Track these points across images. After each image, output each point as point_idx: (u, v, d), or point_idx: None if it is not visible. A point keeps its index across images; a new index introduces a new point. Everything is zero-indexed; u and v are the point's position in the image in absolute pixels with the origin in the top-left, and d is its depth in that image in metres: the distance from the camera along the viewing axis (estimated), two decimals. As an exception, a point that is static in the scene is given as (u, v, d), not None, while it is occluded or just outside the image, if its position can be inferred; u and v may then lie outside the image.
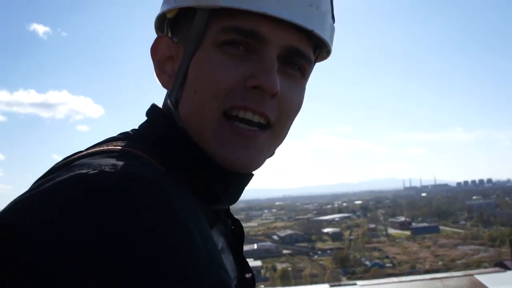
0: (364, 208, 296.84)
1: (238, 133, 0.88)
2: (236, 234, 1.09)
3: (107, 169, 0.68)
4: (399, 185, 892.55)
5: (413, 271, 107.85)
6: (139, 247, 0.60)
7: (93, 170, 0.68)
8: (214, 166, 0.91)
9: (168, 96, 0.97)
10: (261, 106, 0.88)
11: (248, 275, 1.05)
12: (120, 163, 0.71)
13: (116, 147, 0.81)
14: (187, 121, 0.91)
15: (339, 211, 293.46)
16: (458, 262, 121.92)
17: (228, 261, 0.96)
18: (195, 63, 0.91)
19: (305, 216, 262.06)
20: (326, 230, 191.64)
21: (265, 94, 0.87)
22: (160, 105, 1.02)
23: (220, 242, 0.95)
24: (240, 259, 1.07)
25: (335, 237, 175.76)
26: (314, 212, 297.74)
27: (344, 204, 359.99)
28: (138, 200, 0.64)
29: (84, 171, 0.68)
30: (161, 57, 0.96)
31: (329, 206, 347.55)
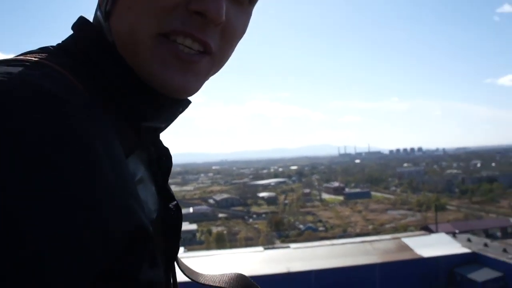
0: (300, 174, 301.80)
1: (178, 56, 0.81)
2: (162, 164, 1.01)
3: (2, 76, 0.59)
4: (334, 152, 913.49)
5: (344, 234, 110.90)
6: (14, 168, 0.52)
7: None
8: (144, 86, 0.83)
9: (98, 7, 0.88)
10: (202, 33, 0.81)
11: (172, 205, 0.99)
12: (19, 71, 0.64)
13: (28, 58, 0.71)
14: (119, 38, 0.83)
15: (275, 176, 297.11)
16: (387, 226, 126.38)
17: (149, 192, 0.92)
18: None
19: (241, 181, 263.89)
20: (261, 194, 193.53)
21: (208, 22, 0.79)
22: (90, 19, 0.90)
23: (139, 171, 0.89)
24: (164, 189, 1.00)
25: (270, 201, 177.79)
26: (250, 176, 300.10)
27: (280, 169, 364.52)
28: (26, 111, 0.56)
29: None
30: None
31: (265, 171, 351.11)
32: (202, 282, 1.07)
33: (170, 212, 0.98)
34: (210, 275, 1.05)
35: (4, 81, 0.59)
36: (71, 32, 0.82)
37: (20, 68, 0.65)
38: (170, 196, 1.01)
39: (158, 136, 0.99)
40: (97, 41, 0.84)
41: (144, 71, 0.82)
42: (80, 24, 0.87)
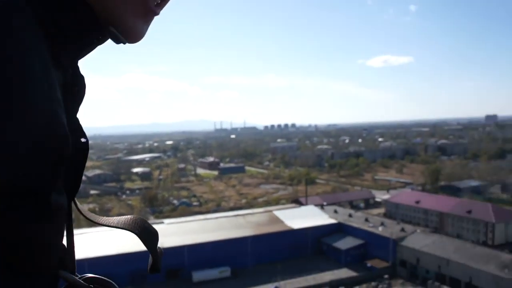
0: (175, 149, 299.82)
1: (150, 10, 0.90)
2: (76, 91, 0.95)
3: None
4: (210, 127, 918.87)
5: (218, 209, 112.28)
6: None
7: None
8: (92, 18, 0.86)
9: None
10: None
11: (83, 140, 0.96)
12: None
13: None
14: None
15: (150, 151, 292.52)
16: (260, 200, 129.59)
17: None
18: None
19: (115, 156, 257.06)
20: (135, 169, 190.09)
21: None
22: None
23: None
24: (74, 120, 0.94)
25: (144, 177, 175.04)
26: (125, 151, 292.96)
27: (156, 144, 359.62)
28: None
29: None
30: None
31: (140, 146, 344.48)
32: (101, 223, 1.07)
33: (82, 146, 0.95)
34: (108, 218, 1.04)
35: None
36: None
37: None
38: (79, 128, 0.96)
39: (77, 62, 0.96)
40: None
41: (114, 14, 0.87)
42: None
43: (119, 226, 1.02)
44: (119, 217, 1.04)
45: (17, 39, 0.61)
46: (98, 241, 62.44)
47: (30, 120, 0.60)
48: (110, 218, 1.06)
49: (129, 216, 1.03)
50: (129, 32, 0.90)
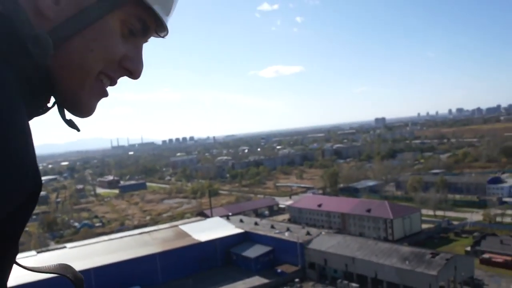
0: (71, 169, 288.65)
1: (102, 92, 1.07)
2: None
3: None
4: (107, 145, 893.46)
5: (122, 228, 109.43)
6: None
7: None
8: (48, 96, 1.03)
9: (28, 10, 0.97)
10: (117, 80, 1.11)
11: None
12: None
13: None
14: (67, 63, 1.00)
15: (45, 173, 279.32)
16: (165, 215, 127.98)
17: None
18: (104, 25, 1.03)
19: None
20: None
21: (129, 76, 1.11)
22: None
23: None
24: None
25: (40, 200, 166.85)
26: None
27: (50, 166, 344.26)
28: None
29: None
30: None
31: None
32: (34, 270, 1.10)
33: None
34: (40, 266, 1.09)
35: None
36: None
37: None
38: None
39: None
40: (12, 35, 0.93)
41: (75, 94, 1.03)
42: None
43: (53, 272, 1.08)
44: (48, 265, 1.11)
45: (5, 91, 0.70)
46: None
47: (25, 171, 0.70)
48: (42, 266, 1.10)
49: (58, 264, 1.11)
50: (87, 110, 1.07)
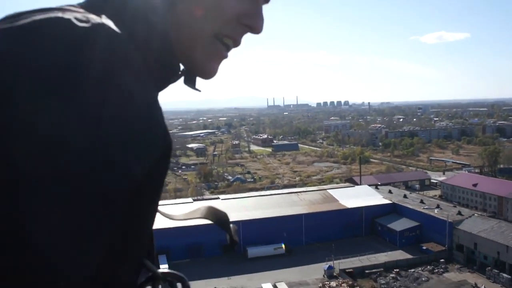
0: (229, 125, 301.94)
1: (221, 54, 1.04)
2: None
3: (80, 16, 0.71)
4: (263, 104, 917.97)
5: (272, 185, 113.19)
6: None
7: (67, 16, 0.70)
8: (177, 64, 1.03)
9: None
10: (241, 39, 1.07)
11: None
12: (91, 15, 0.74)
13: (73, 8, 0.80)
14: (179, 26, 0.98)
15: (204, 127, 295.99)
16: (314, 178, 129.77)
17: None
18: None
19: (170, 132, 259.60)
20: (190, 145, 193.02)
21: (250, 31, 1.07)
22: None
23: None
24: None
25: (199, 152, 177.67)
26: (179, 127, 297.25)
27: (209, 121, 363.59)
28: (111, 46, 0.71)
29: (60, 15, 0.71)
30: None
31: (194, 122, 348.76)
32: (177, 219, 1.21)
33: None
34: (182, 214, 1.19)
35: (87, 21, 0.71)
36: None
37: (85, 13, 0.75)
38: None
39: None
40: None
41: (190, 56, 1.03)
42: None
43: (195, 217, 1.17)
44: (191, 211, 1.22)
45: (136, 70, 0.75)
46: (157, 215, 64.25)
47: (158, 132, 0.78)
48: (183, 214, 1.20)
49: (200, 207, 1.18)
50: (205, 72, 1.06)
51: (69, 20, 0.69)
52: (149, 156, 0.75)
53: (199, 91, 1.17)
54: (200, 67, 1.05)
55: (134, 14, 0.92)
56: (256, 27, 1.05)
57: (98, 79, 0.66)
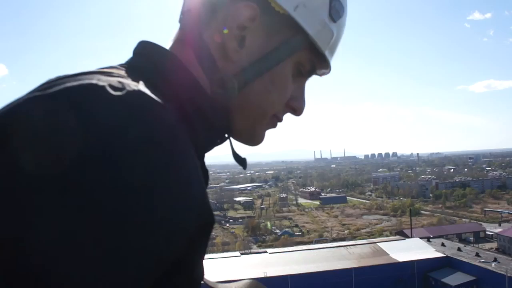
0: (276, 178, 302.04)
1: (273, 126, 1.12)
2: (206, 181, 1.09)
3: (115, 83, 0.70)
4: (310, 156, 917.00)
5: (321, 239, 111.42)
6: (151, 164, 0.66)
7: (102, 82, 0.69)
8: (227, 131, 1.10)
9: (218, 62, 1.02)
10: (283, 116, 1.14)
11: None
12: (127, 81, 0.73)
13: (115, 71, 0.81)
14: (248, 102, 1.04)
15: (252, 180, 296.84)
16: (363, 231, 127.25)
17: None
18: (282, 68, 1.05)
19: (218, 185, 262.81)
20: (238, 198, 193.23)
21: (292, 113, 1.14)
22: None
23: None
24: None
25: (246, 205, 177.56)
26: (227, 181, 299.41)
27: (257, 174, 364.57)
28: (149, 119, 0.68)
29: (94, 81, 0.69)
30: (242, 22, 0.99)
31: (241, 175, 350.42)
32: None
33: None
34: (225, 284, 1.18)
35: (122, 88, 0.70)
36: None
37: (123, 79, 0.75)
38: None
39: (203, 157, 1.12)
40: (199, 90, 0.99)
41: (251, 130, 1.10)
42: (175, 68, 0.98)
43: None
44: (236, 282, 1.21)
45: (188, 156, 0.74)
46: (205, 269, 63.88)
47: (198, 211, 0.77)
48: (227, 284, 1.21)
49: (245, 280, 1.20)
50: (258, 141, 1.14)
51: (103, 87, 0.68)
52: (182, 235, 0.74)
53: (245, 168, 1.23)
54: (256, 138, 1.11)
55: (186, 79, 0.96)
56: (300, 109, 1.12)
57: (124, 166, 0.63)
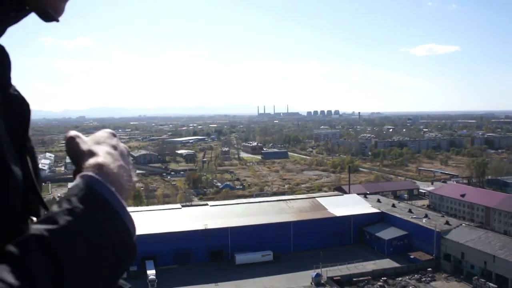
0: (219, 132, 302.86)
1: None
2: (14, 113, 0.97)
3: None
4: (253, 111, 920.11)
5: (261, 193, 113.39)
6: None
7: None
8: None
9: None
10: None
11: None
12: None
13: None
14: None
15: (194, 133, 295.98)
16: (303, 186, 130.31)
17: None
18: None
19: (160, 137, 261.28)
20: (180, 151, 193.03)
21: None
22: None
23: None
24: (22, 146, 0.96)
25: (188, 158, 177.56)
26: (169, 133, 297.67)
27: (199, 127, 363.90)
28: None
29: None
30: None
31: (184, 128, 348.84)
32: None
33: (31, 176, 1.02)
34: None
35: None
36: None
37: None
38: (32, 155, 1.04)
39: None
40: None
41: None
42: None
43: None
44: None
45: None
46: (145, 220, 64.08)
47: None
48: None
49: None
50: (56, 11, 0.99)
51: None
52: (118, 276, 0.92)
53: (58, 21, 1.05)
54: (51, 5, 0.97)
55: None
56: None
57: None
